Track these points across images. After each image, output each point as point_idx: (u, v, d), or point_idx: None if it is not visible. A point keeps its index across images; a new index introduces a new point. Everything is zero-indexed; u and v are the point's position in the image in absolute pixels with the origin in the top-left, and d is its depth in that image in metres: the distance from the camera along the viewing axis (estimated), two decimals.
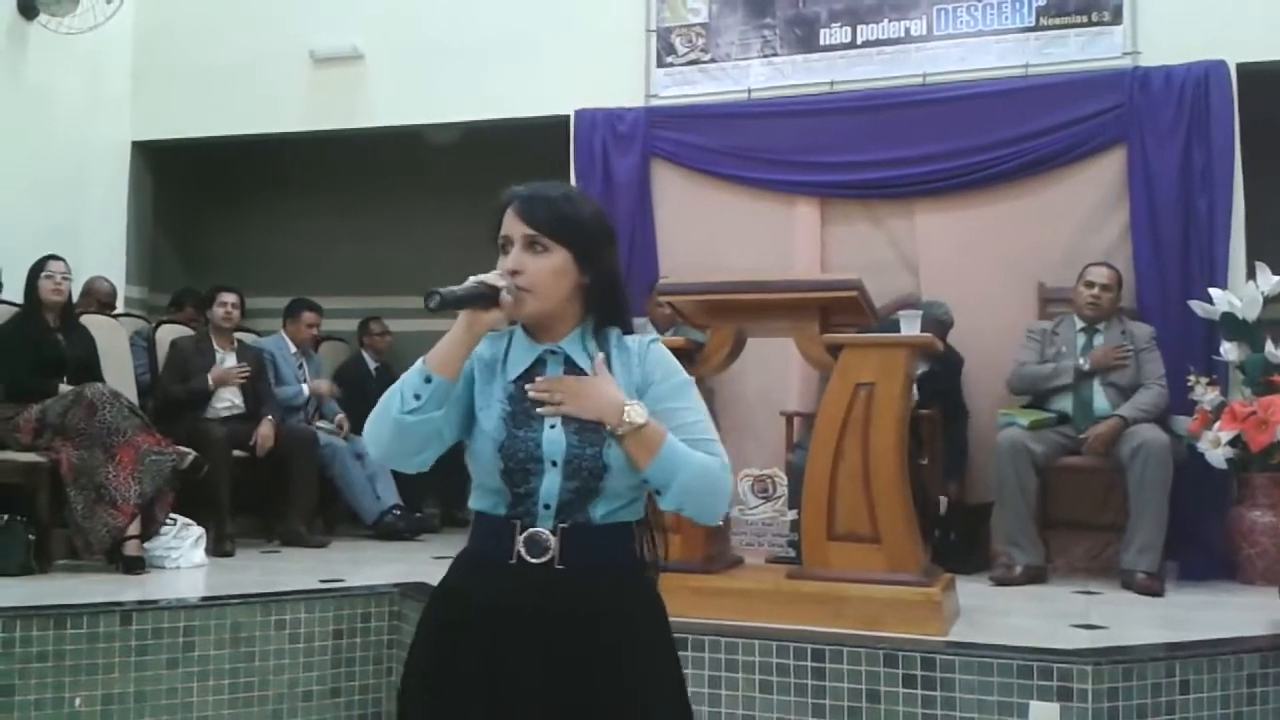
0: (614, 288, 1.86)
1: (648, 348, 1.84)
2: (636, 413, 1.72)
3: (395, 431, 1.73)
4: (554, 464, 1.74)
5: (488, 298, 1.73)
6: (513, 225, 1.80)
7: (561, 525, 1.74)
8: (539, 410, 1.76)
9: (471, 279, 1.76)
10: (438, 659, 1.80)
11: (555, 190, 1.84)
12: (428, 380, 1.73)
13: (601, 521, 1.77)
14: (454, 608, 1.82)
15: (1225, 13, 5.27)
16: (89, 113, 6.86)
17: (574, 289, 1.81)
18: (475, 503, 1.83)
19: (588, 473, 1.74)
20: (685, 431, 1.77)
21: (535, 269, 1.78)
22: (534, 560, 1.74)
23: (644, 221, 6.04)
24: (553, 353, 1.82)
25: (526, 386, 1.78)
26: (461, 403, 1.80)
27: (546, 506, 1.74)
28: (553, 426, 1.75)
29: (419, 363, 1.76)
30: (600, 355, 1.79)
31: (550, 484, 1.74)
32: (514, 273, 1.78)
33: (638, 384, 1.80)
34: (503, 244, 1.81)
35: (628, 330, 1.88)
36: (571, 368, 1.80)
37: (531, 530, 1.75)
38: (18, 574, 4.46)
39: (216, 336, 5.90)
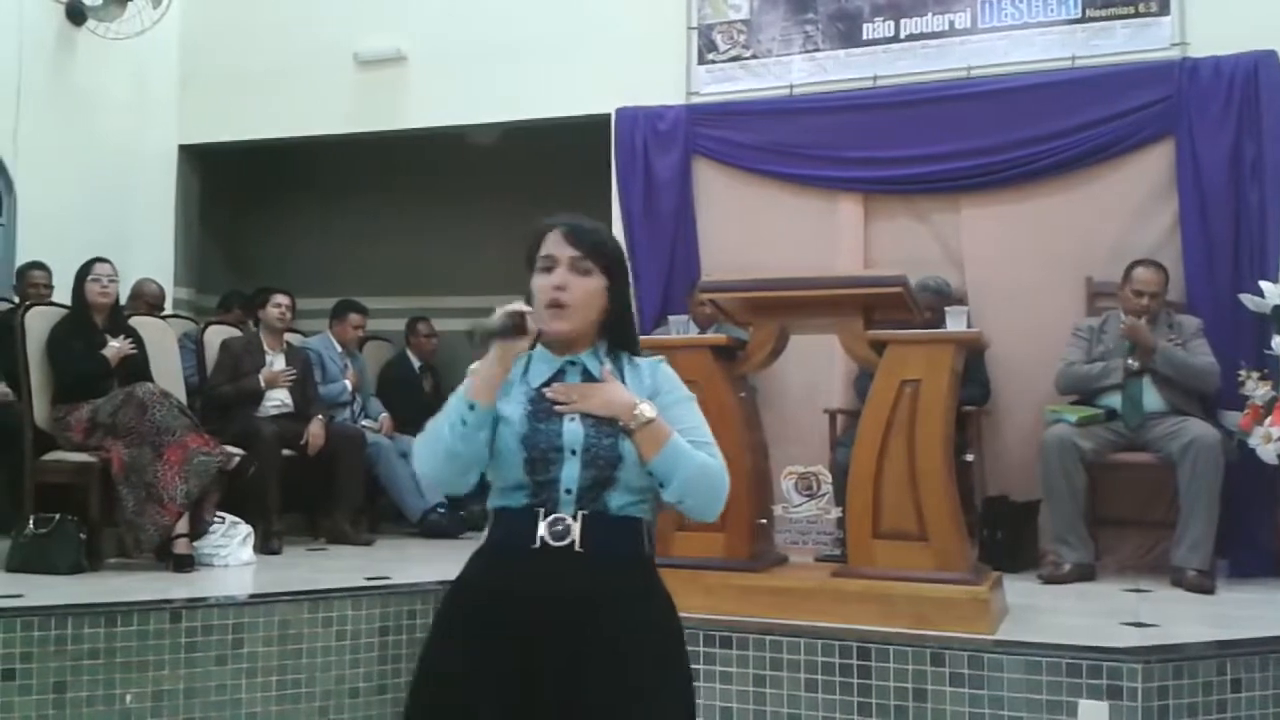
0: (628, 317, 2.07)
1: (656, 366, 2.05)
2: (647, 409, 1.91)
3: (447, 457, 1.89)
4: (573, 453, 1.90)
5: (518, 327, 1.88)
6: (560, 247, 1.97)
7: (582, 512, 1.89)
8: (557, 408, 1.93)
9: (499, 311, 1.89)
10: (457, 649, 1.90)
11: (592, 222, 2.04)
12: (471, 407, 1.88)
13: (617, 513, 1.92)
14: (473, 598, 1.94)
15: (1274, 2, 5.19)
16: (136, 117, 6.95)
17: (601, 313, 2.00)
18: (495, 501, 1.97)
19: (604, 461, 1.90)
20: (692, 434, 1.96)
21: (579, 288, 1.96)
22: (556, 544, 1.88)
23: (686, 219, 6.03)
24: (572, 363, 1.99)
25: (545, 390, 1.95)
26: (492, 418, 1.94)
27: (568, 491, 1.89)
28: (572, 420, 1.92)
29: (460, 392, 1.91)
30: (608, 365, 1.99)
31: (570, 471, 1.89)
32: (559, 288, 1.95)
33: (648, 394, 1.98)
34: (546, 264, 1.97)
35: (635, 354, 2.06)
36: (588, 378, 1.98)
37: (554, 515, 1.89)
38: (69, 572, 4.51)
39: (267, 337, 5.96)
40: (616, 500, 1.91)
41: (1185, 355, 4.74)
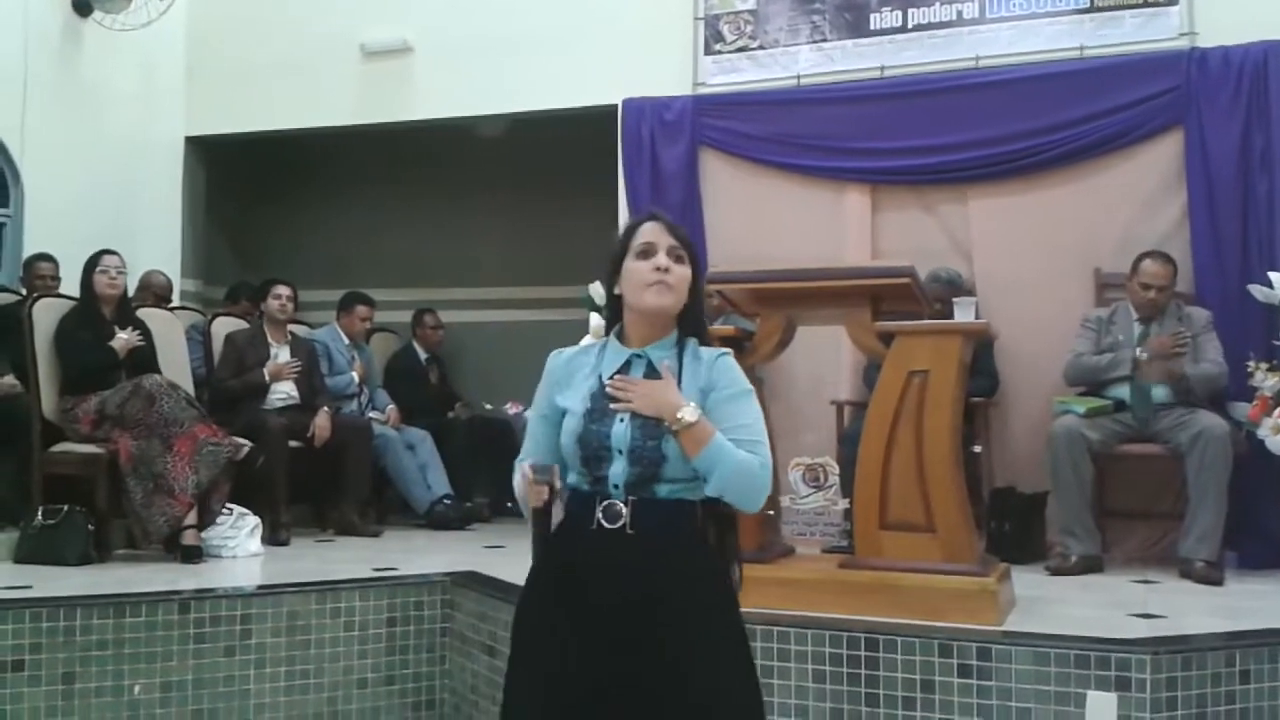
0: (700, 309, 2.26)
1: (716, 359, 2.20)
2: (689, 413, 2.08)
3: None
4: (620, 452, 2.11)
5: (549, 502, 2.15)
6: (659, 235, 2.19)
7: (631, 499, 2.11)
8: (612, 406, 2.13)
9: (526, 485, 2.15)
10: (539, 603, 2.17)
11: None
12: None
13: (665, 497, 2.12)
14: (549, 570, 2.18)
15: None
16: (143, 109, 6.95)
17: (686, 300, 2.21)
18: (569, 480, 2.19)
19: (648, 460, 2.10)
20: (738, 432, 2.12)
21: (680, 272, 2.18)
22: (610, 526, 2.11)
23: (692, 211, 6.01)
24: (638, 356, 2.20)
25: (605, 381, 2.16)
26: (555, 426, 2.21)
27: (616, 486, 2.12)
28: (621, 421, 2.12)
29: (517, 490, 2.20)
30: (668, 363, 2.16)
31: (618, 468, 2.12)
32: (663, 269, 2.16)
33: (702, 387, 2.16)
34: (646, 250, 2.17)
35: (704, 342, 2.24)
36: (651, 371, 2.18)
37: (607, 502, 2.12)
38: (77, 563, 4.54)
39: (271, 329, 5.96)
40: (663, 490, 2.12)
41: (1204, 369, 4.71)
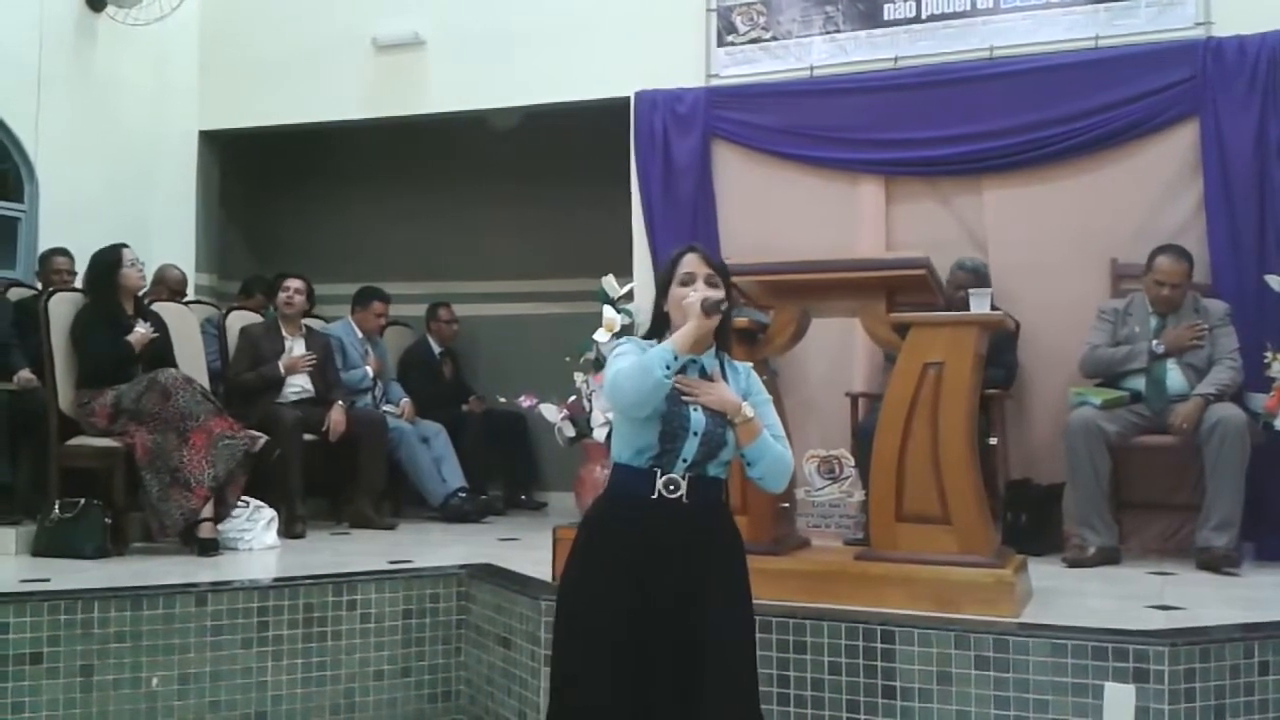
0: (730, 325, 2.68)
1: (748, 371, 2.70)
2: (748, 410, 2.56)
3: (655, 388, 2.44)
4: (695, 434, 2.53)
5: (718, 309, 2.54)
6: (698, 265, 2.59)
7: (689, 475, 2.52)
8: (684, 398, 2.53)
9: (708, 299, 2.52)
10: (593, 570, 2.54)
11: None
12: (675, 357, 2.47)
13: (711, 475, 2.56)
14: (603, 532, 2.58)
15: None
16: (157, 103, 6.96)
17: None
18: (619, 457, 2.58)
19: (714, 443, 2.54)
20: (772, 429, 2.62)
21: (717, 297, 2.55)
22: (669, 496, 2.51)
23: (705, 203, 6.01)
24: (693, 361, 2.59)
25: (675, 380, 2.51)
26: None
27: (684, 460, 2.52)
28: (696, 410, 2.54)
29: (667, 344, 2.50)
30: (716, 368, 2.62)
31: (690, 446, 2.52)
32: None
33: (743, 393, 2.61)
34: (688, 279, 2.58)
35: (728, 350, 2.69)
36: (703, 374, 2.60)
37: (668, 476, 2.52)
38: (95, 556, 4.56)
39: (285, 323, 5.98)
40: (713, 469, 2.56)
41: (1219, 376, 4.68)
